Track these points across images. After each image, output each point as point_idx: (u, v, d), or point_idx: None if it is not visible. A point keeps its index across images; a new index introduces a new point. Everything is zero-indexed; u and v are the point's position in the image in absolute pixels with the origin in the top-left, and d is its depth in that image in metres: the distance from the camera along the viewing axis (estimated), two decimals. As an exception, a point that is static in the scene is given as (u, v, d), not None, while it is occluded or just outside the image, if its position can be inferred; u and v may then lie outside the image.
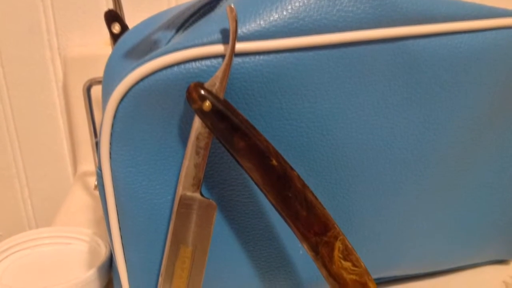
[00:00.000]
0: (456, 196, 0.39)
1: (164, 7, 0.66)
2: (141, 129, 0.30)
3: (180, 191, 0.31)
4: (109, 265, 0.42)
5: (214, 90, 0.28)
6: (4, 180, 0.73)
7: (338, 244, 0.31)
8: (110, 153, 0.31)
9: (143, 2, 0.66)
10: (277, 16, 0.29)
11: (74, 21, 0.66)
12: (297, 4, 0.30)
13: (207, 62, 0.29)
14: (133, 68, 0.29)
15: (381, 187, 0.35)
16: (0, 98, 0.68)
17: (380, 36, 0.31)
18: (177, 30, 0.33)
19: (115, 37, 0.41)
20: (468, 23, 0.33)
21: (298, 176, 0.30)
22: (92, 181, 0.66)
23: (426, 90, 0.33)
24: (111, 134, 0.30)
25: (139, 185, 0.31)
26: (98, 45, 0.66)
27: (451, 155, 0.36)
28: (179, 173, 0.31)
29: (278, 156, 0.29)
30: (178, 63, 0.28)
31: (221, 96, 0.28)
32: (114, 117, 0.30)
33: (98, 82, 0.54)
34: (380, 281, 0.41)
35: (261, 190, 0.30)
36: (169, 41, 0.32)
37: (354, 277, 0.31)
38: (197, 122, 0.29)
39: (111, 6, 0.64)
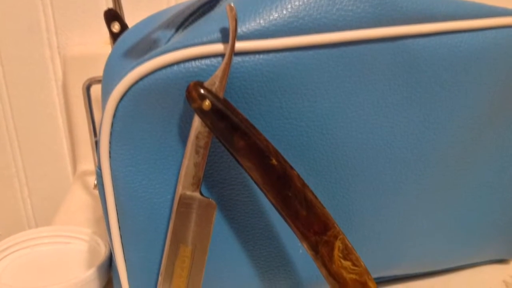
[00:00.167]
0: (456, 196, 0.39)
1: (163, 6, 0.66)
2: (141, 128, 0.30)
3: (179, 190, 0.30)
4: (109, 264, 0.42)
5: (213, 89, 0.28)
6: (4, 180, 0.73)
7: (338, 244, 0.31)
8: (109, 152, 0.31)
9: (143, 1, 0.66)
10: (277, 15, 0.29)
11: (74, 20, 0.65)
12: (297, 3, 0.30)
13: (207, 61, 0.29)
14: (133, 67, 0.29)
15: (381, 186, 0.35)
16: (-1, 97, 0.68)
17: (380, 35, 0.31)
18: (177, 29, 0.33)
19: (114, 36, 0.41)
20: (468, 22, 0.33)
21: (298, 176, 0.30)
22: (92, 180, 0.66)
23: (426, 90, 0.33)
24: (111, 133, 0.30)
25: (139, 184, 0.31)
26: (97, 44, 0.66)
27: (451, 154, 0.36)
28: (178, 172, 0.31)
29: (278, 155, 0.29)
30: (177, 62, 0.28)
31: (221, 95, 0.28)
32: (114, 116, 0.30)
33: (98, 81, 0.54)
34: (380, 281, 0.41)
35: (260, 189, 0.30)
36: (168, 40, 0.32)
37: (354, 276, 0.31)
38: (196, 121, 0.29)
39: (110, 5, 0.64)
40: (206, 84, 0.28)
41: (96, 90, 0.53)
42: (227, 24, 0.29)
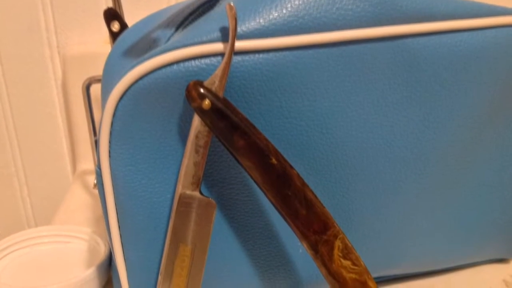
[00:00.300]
0: (456, 195, 0.39)
1: (163, 5, 0.66)
2: (141, 127, 0.30)
3: (179, 189, 0.30)
4: (108, 263, 0.42)
5: (213, 89, 0.28)
6: (3, 179, 0.73)
7: (337, 243, 0.31)
8: (109, 152, 0.31)
9: (142, 0, 0.66)
10: (276, 14, 0.29)
11: (74, 19, 0.65)
12: (296, 2, 0.30)
13: (207, 60, 0.29)
14: (133, 67, 0.29)
15: (380, 185, 0.35)
16: (-1, 96, 0.68)
17: (379, 35, 0.31)
18: (177, 28, 0.32)
19: (114, 36, 0.41)
20: (468, 21, 0.33)
21: (298, 175, 0.30)
22: (92, 179, 0.66)
23: (426, 89, 0.33)
24: (111, 133, 0.30)
25: (139, 184, 0.31)
26: (97, 43, 0.66)
27: (451, 153, 0.36)
28: (178, 172, 0.31)
29: (277, 154, 0.29)
30: (177, 61, 0.28)
31: (221, 94, 0.28)
32: (114, 115, 0.30)
33: (98, 80, 0.54)
34: (380, 280, 0.41)
35: (260, 188, 0.30)
36: (168, 39, 0.32)
37: (353, 275, 0.31)
38: (196, 121, 0.29)
39: (110, 4, 0.64)
40: (205, 83, 0.28)
41: (95, 89, 0.53)
42: (227, 23, 0.29)
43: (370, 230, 0.36)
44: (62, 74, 0.67)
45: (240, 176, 0.32)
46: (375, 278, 0.38)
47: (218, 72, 0.28)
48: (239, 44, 0.29)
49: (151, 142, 0.31)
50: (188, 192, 0.30)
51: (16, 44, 0.66)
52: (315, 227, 0.30)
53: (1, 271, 0.42)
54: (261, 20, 0.29)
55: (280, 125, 0.31)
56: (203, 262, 0.32)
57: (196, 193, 0.31)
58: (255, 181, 0.30)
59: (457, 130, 0.35)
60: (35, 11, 0.64)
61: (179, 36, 0.31)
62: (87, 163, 0.69)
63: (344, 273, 0.31)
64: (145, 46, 0.33)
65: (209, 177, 0.32)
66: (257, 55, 0.29)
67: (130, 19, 0.41)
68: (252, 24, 0.29)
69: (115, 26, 0.41)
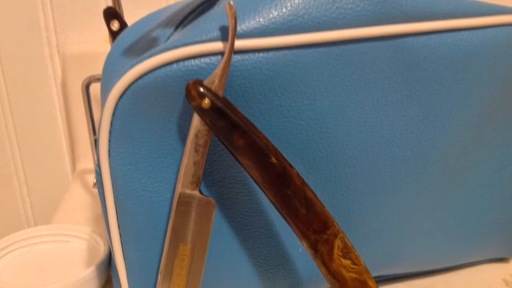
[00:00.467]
0: (456, 194, 0.38)
1: (163, 4, 0.66)
2: (140, 126, 0.30)
3: (179, 189, 0.30)
4: (108, 263, 0.42)
5: (213, 88, 0.28)
6: (3, 178, 0.73)
7: (337, 242, 0.31)
8: (109, 151, 0.30)
9: (142, -1, 0.66)
10: (276, 13, 0.29)
11: (73, 18, 0.65)
12: (296, 1, 0.30)
13: (206, 59, 0.29)
14: (132, 66, 0.29)
15: (380, 185, 0.35)
16: (-2, 95, 0.68)
17: (379, 34, 0.31)
18: (176, 28, 0.32)
19: (114, 35, 0.41)
20: (468, 20, 0.33)
21: (298, 174, 0.30)
22: (91, 178, 0.66)
23: (426, 88, 0.33)
24: (110, 132, 0.30)
25: (138, 183, 0.31)
26: (97, 42, 0.66)
27: (451, 153, 0.36)
28: (178, 171, 0.31)
29: (277, 153, 0.29)
30: (177, 61, 0.28)
31: (220, 93, 0.28)
32: (113, 114, 0.29)
33: (97, 79, 0.54)
34: (379, 279, 0.41)
35: (260, 188, 0.30)
36: (168, 38, 0.32)
37: (353, 275, 0.31)
38: (196, 120, 0.29)
39: (110, 3, 0.64)
40: (205, 82, 0.28)
41: (95, 88, 0.53)
42: (226, 23, 0.29)
43: (370, 229, 0.36)
44: (62, 73, 0.67)
45: (240, 175, 0.32)
46: (375, 278, 0.38)
47: (218, 71, 0.28)
48: (239, 43, 0.29)
49: (151, 141, 0.30)
50: (188, 191, 0.30)
51: (15, 43, 0.66)
52: (315, 226, 0.30)
53: (1, 271, 0.42)
54: (260, 19, 0.29)
55: (279, 124, 0.31)
56: (203, 261, 0.32)
57: (196, 192, 0.30)
58: (254, 181, 0.30)
59: (457, 129, 0.35)
60: (34, 10, 0.64)
61: (178, 35, 0.31)
62: (86, 162, 0.69)
63: (344, 272, 0.31)
64: (144, 45, 0.33)
65: (208, 176, 0.32)
66: (256, 54, 0.29)
67: (130, 18, 0.41)
68: (252, 23, 0.29)
69: (115, 25, 0.41)
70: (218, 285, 0.35)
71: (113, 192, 0.32)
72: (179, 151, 0.31)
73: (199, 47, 0.28)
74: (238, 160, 0.30)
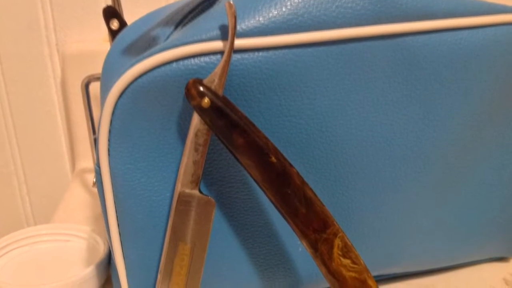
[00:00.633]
0: (456, 193, 0.38)
1: (162, 3, 0.66)
2: (140, 126, 0.30)
3: (178, 188, 0.30)
4: (108, 262, 0.42)
5: (213, 87, 0.28)
6: (3, 177, 0.73)
7: (337, 241, 0.31)
8: (108, 150, 0.30)
9: (142, -2, 0.66)
10: (276, 12, 0.29)
11: (73, 17, 0.65)
12: (296, 0, 0.30)
13: (206, 58, 0.29)
14: (132, 65, 0.29)
15: (380, 184, 0.35)
16: (-2, 95, 0.68)
17: (379, 33, 0.31)
18: (176, 27, 0.32)
19: (113, 34, 0.41)
20: (468, 19, 0.33)
21: (297, 173, 0.30)
22: (91, 178, 0.66)
23: (425, 87, 0.33)
24: (110, 131, 0.30)
25: (138, 182, 0.31)
26: (96, 41, 0.66)
27: (451, 152, 0.36)
28: (177, 170, 0.31)
29: (277, 153, 0.29)
30: (176, 60, 0.28)
31: (220, 92, 0.28)
32: (113, 113, 0.29)
33: (97, 78, 0.54)
34: (379, 279, 0.41)
35: (260, 187, 0.30)
36: (167, 37, 0.32)
37: (353, 274, 0.31)
38: (196, 119, 0.29)
39: (109, 2, 0.64)
40: (205, 81, 0.28)
41: (95, 87, 0.53)
42: (226, 22, 0.28)
43: (369, 229, 0.36)
44: (61, 72, 0.67)
45: (240, 174, 0.32)
46: (374, 277, 0.38)
47: (218, 70, 0.28)
48: (239, 42, 0.29)
49: (150, 140, 0.30)
50: (188, 190, 0.30)
51: (15, 42, 0.66)
52: (315, 225, 0.30)
53: (0, 270, 0.42)
54: (260, 18, 0.29)
55: (279, 124, 0.31)
56: (203, 260, 0.32)
57: (196, 192, 0.30)
58: (254, 180, 0.30)
59: (457, 128, 0.35)
60: (34, 9, 0.64)
61: (178, 34, 0.31)
62: (86, 162, 0.69)
63: (344, 271, 0.31)
64: (144, 44, 0.33)
65: (208, 175, 0.32)
66: (256, 53, 0.29)
67: (129, 17, 0.41)
68: (252, 22, 0.29)
69: (114, 24, 0.41)
70: (218, 284, 0.35)
71: (113, 191, 0.32)
72: (178, 150, 0.31)
73: (198, 46, 0.28)
74: (237, 159, 0.30)
